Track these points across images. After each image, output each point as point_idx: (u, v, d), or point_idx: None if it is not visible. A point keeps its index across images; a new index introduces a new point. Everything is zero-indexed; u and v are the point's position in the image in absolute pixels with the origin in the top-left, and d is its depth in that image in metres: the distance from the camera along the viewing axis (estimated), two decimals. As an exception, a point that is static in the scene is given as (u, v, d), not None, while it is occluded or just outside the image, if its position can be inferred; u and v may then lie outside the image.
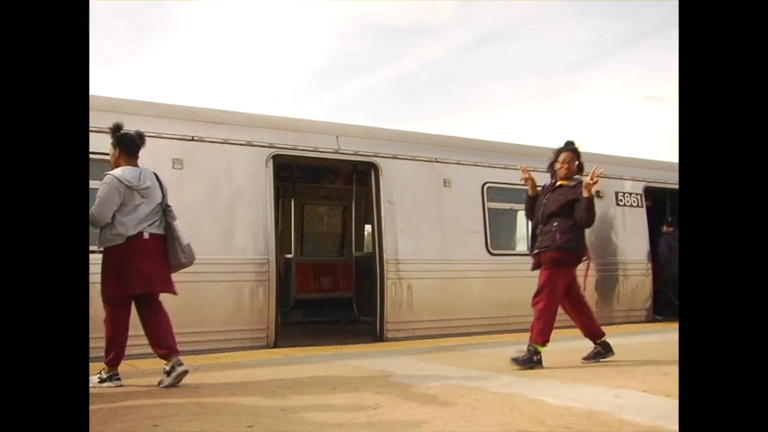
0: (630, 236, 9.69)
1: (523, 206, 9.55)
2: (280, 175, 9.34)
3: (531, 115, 36.35)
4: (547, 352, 5.42)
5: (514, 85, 35.73)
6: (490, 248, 8.38)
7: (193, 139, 6.80)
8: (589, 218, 5.37)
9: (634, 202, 9.81)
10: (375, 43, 34.69)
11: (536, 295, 5.40)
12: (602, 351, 5.63)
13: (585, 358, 5.58)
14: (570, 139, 5.70)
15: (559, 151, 5.63)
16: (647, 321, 9.58)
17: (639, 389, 4.27)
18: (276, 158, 7.28)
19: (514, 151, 9.14)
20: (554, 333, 7.99)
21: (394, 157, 7.97)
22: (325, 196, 11.02)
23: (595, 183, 5.25)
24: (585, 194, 5.26)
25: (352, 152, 7.77)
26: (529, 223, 5.87)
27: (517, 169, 8.90)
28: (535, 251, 5.45)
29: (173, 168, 6.64)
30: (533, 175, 5.47)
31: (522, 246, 9.56)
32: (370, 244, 10.55)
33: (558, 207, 5.39)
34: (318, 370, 5.28)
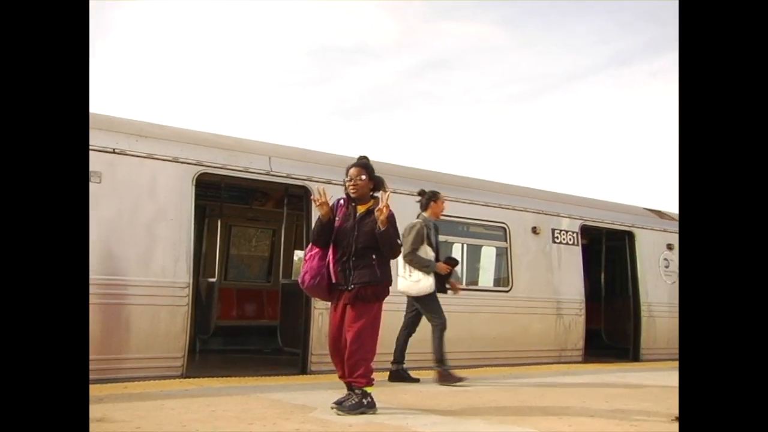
0: (565, 274, 9.94)
1: (461, 239, 9.95)
2: (207, 194, 9.21)
3: (474, 144, 37.09)
4: (474, 391, 5.44)
5: (458, 113, 36.42)
6: (423, 281, 8.41)
7: (114, 152, 6.65)
8: (394, 252, 5.18)
9: (570, 239, 10.08)
10: (315, 61, 34.83)
11: (354, 333, 4.99)
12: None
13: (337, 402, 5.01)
14: (363, 154, 5.38)
15: (349, 167, 5.25)
16: (579, 362, 9.78)
17: (565, 432, 4.35)
18: (203, 176, 7.18)
19: (453, 182, 9.30)
20: (483, 371, 8.11)
21: (329, 182, 7.95)
22: (254, 218, 10.91)
23: (384, 212, 4.91)
24: (381, 227, 4.97)
25: (284, 175, 7.74)
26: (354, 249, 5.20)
27: (455, 201, 9.16)
28: (351, 287, 5.06)
29: (90, 181, 6.46)
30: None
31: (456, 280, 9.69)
32: (299, 271, 10.46)
33: (373, 240, 5.03)
34: (234, 404, 5.19)
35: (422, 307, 7.02)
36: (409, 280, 6.91)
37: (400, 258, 6.82)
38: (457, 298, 8.93)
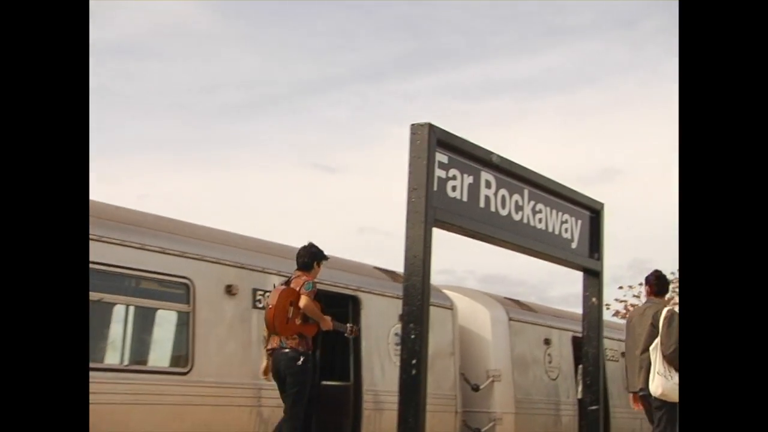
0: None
1: (126, 298, 8.89)
2: None
3: (163, 166, 35.82)
4: None
5: (145, 121, 34.91)
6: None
7: None
8: None
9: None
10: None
11: None
12: None
13: None
14: None
15: None
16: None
17: None
18: None
19: (112, 215, 8.42)
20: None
21: None
22: None
23: None
24: None
25: None
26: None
27: (116, 244, 8.11)
28: None
29: None
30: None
31: (112, 357, 8.58)
32: None
33: None
34: None
35: (668, 416, 7.26)
36: (671, 381, 7.11)
37: (659, 355, 7.32)
38: (108, 384, 7.88)
